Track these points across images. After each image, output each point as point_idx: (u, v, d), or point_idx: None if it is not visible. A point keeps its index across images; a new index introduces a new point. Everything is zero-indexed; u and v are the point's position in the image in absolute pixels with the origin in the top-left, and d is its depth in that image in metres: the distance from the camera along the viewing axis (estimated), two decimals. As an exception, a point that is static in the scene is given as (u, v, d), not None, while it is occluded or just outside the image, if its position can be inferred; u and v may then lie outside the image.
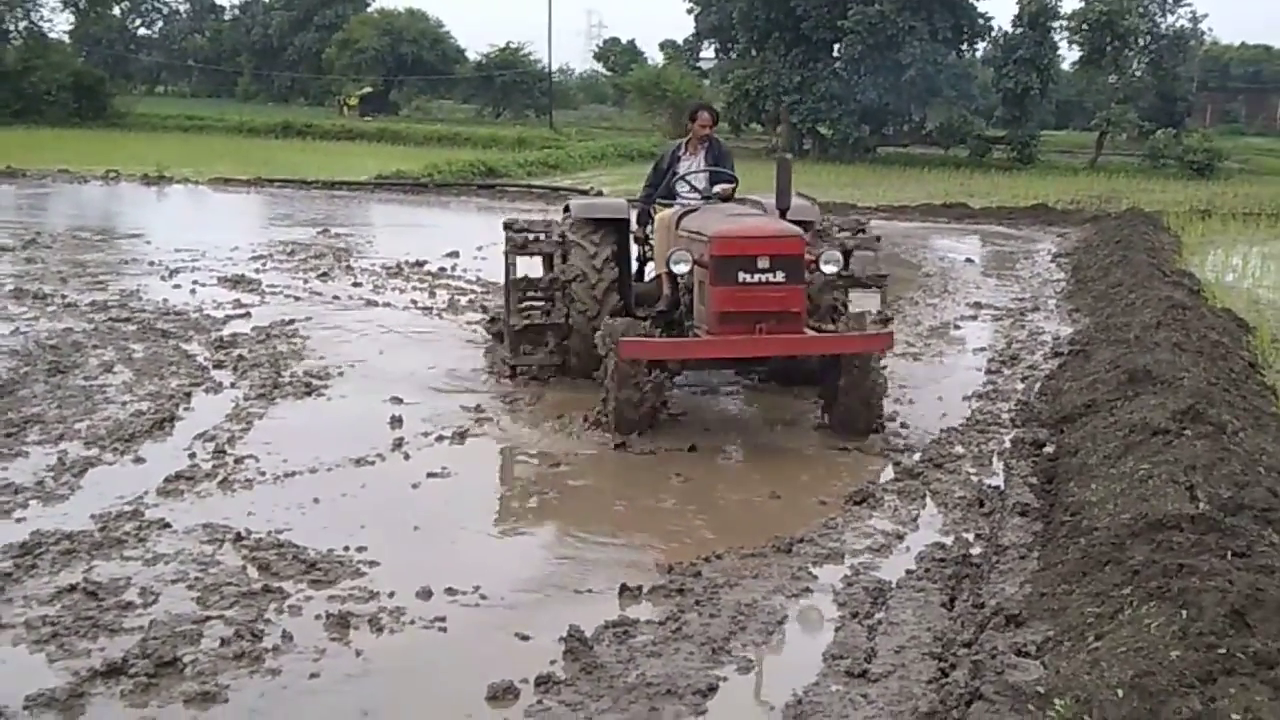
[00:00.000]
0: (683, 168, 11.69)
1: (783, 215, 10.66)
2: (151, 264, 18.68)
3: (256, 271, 18.20)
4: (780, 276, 9.62)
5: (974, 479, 9.14)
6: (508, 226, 12.05)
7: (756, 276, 9.58)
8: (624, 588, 6.91)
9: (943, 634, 6.35)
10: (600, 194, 33.74)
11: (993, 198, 34.93)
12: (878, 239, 12.53)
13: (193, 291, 16.23)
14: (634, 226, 12.08)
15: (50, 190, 32.21)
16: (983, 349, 14.26)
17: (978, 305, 17.44)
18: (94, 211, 28.58)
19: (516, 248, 11.80)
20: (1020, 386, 12.21)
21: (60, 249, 20.29)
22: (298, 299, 16.06)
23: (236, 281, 17.08)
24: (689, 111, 12.21)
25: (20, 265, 18.14)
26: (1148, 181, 44.19)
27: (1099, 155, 56.00)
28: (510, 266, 11.83)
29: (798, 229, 10.05)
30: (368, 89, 79.64)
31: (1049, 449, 9.47)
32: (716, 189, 11.41)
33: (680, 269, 10.16)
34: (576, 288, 11.41)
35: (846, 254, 12.11)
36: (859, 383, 9.91)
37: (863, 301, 12.52)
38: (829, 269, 10.35)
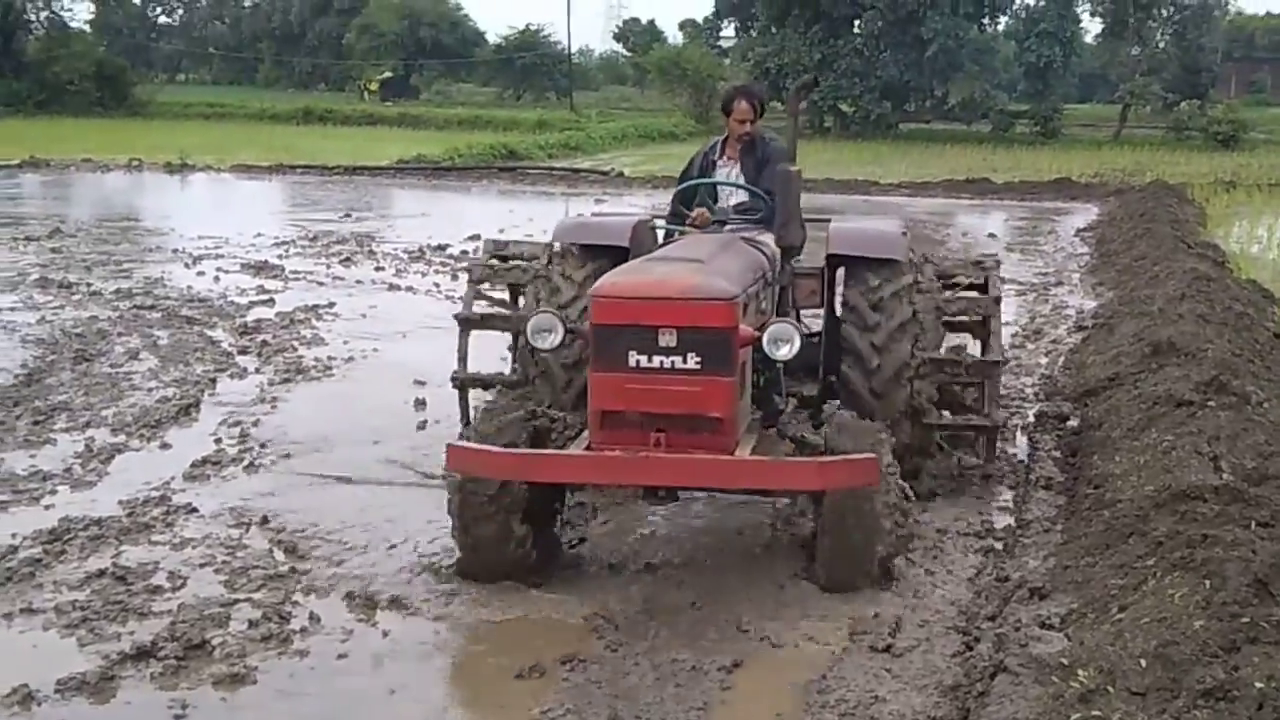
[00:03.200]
0: (720, 174, 8.35)
1: (785, 257, 7.64)
2: (175, 251, 18.75)
3: (279, 257, 18.25)
4: (693, 361, 6.15)
5: (998, 453, 9.13)
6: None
7: (656, 360, 6.17)
8: (648, 565, 6.94)
9: (967, 608, 6.37)
10: (621, 175, 33.68)
11: (1015, 172, 34.79)
12: (998, 300, 8.77)
13: (216, 278, 16.29)
14: None
15: (74, 179, 32.35)
16: (1006, 323, 14.12)
17: (1000, 280, 17.34)
18: (118, 200, 28.69)
19: (476, 281, 9.35)
20: (1044, 360, 12.21)
21: (84, 238, 20.36)
22: (321, 284, 16.10)
23: (260, 268, 17.13)
24: (722, 100, 8.60)
25: (45, 255, 18.23)
26: (1172, 154, 43.90)
27: (1123, 128, 55.68)
28: (466, 304, 9.37)
29: (727, 288, 6.37)
30: (388, 73, 79.62)
31: (1073, 422, 9.45)
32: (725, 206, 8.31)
33: (542, 343, 6.68)
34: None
35: (973, 324, 8.94)
36: (839, 527, 6.41)
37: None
38: (778, 351, 6.41)
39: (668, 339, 6.17)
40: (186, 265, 17.44)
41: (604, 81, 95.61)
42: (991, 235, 23.20)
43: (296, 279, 16.40)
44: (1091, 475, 7.75)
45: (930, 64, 54.15)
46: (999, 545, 7.25)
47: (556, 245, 8.29)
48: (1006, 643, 5.50)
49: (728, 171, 8.34)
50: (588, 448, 6.41)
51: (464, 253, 18.58)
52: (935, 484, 8.19)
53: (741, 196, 8.22)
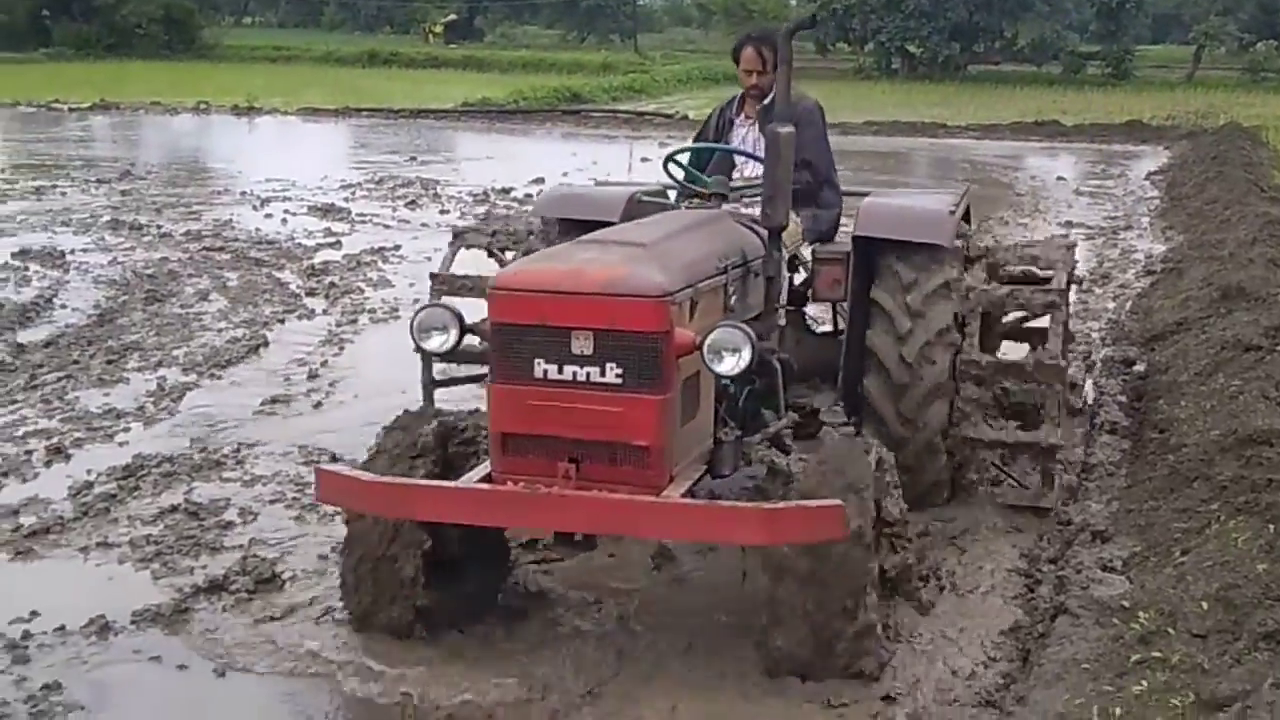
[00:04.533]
0: (735, 140, 7.08)
1: (773, 240, 5.96)
2: (243, 194, 18.95)
3: (346, 200, 18.39)
4: (613, 374, 4.88)
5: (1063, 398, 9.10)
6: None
7: (568, 370, 4.92)
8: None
9: (1029, 550, 6.38)
10: (685, 118, 33.43)
11: (1086, 115, 34.31)
12: (1064, 296, 6.94)
13: (284, 221, 16.45)
14: None
15: (143, 122, 32.67)
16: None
17: (1069, 224, 17.23)
18: (186, 143, 28.97)
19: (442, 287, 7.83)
20: (1111, 305, 12.10)
21: (154, 180, 20.62)
22: (387, 227, 16.22)
23: (326, 210, 17.29)
24: (731, 49, 7.30)
25: (116, 197, 18.47)
26: (1247, 95, 43.12)
27: (1196, 69, 54.69)
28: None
29: (659, 281, 4.94)
30: (452, 16, 79.50)
31: (1139, 367, 9.38)
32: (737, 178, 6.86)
33: (430, 345, 5.40)
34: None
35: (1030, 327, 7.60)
36: (795, 596, 4.98)
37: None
38: (719, 364, 4.98)
39: (582, 345, 4.88)
40: (254, 208, 17.63)
41: (669, 24, 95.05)
42: (1060, 178, 22.95)
43: (363, 222, 16.53)
44: (1157, 420, 7.71)
45: (1000, 4, 53.40)
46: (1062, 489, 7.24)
47: (538, 221, 7.27)
48: (1068, 585, 5.52)
49: (744, 134, 7.05)
50: (486, 477, 5.16)
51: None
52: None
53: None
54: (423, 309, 5.40)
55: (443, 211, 17.55)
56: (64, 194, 18.69)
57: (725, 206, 6.44)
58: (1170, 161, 24.75)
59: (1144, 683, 4.30)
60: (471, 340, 5.68)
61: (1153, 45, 68.63)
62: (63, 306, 11.42)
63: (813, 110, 6.89)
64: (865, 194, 7.26)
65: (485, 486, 5.04)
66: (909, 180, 23.43)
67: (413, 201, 18.44)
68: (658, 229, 5.70)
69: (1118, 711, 4.20)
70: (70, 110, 34.19)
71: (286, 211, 17.19)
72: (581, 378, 4.89)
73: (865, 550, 4.92)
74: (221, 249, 14.29)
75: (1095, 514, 6.45)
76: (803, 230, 6.80)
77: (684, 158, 6.84)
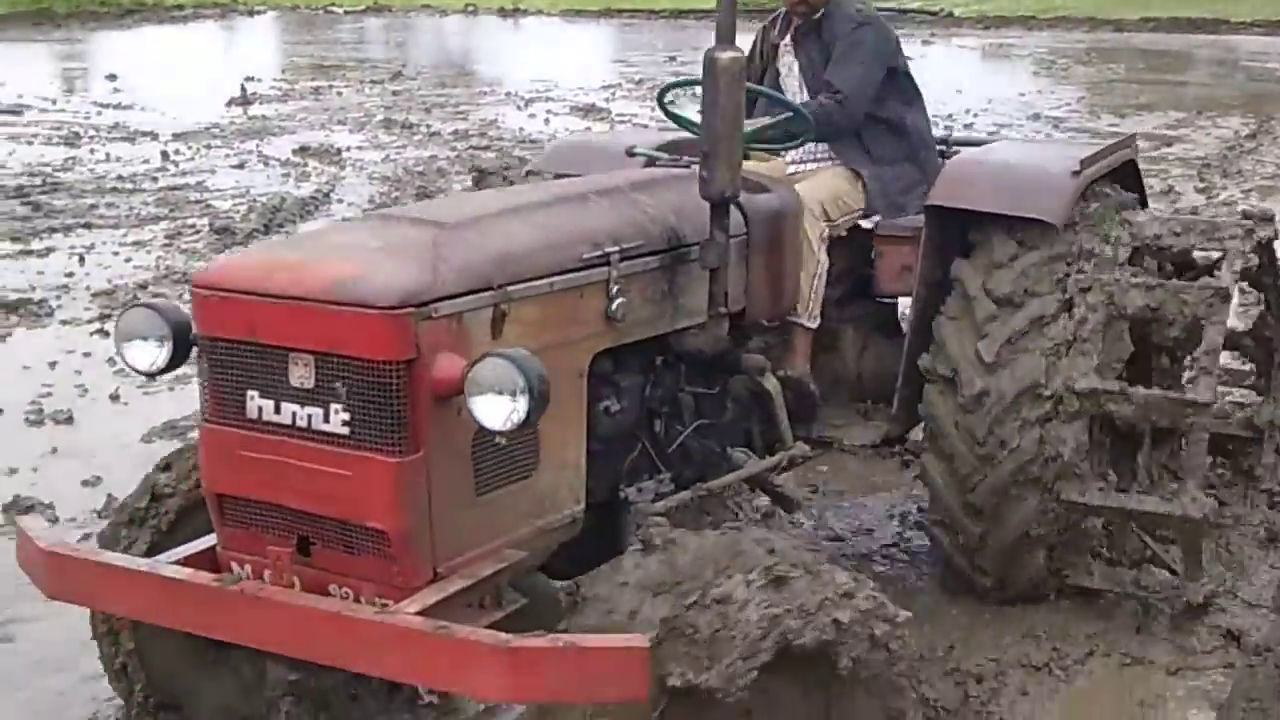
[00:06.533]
0: (782, 68, 5.30)
1: (717, 209, 4.00)
2: (508, 94, 19.40)
3: (606, 101, 18.64)
4: (339, 419, 3.16)
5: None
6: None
7: (287, 410, 3.23)
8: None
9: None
10: (950, 14, 32.27)
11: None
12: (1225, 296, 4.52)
13: (546, 121, 16.79)
14: None
15: (413, 24, 33.54)
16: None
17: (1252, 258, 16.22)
18: (454, 44, 29.68)
19: None
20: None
21: (424, 81, 21.28)
22: (645, 127, 16.34)
23: (587, 110, 17.56)
24: None
25: (388, 97, 19.15)
26: None
27: None
28: None
29: (402, 283, 3.12)
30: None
31: None
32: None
33: (139, 361, 3.50)
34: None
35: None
36: None
37: None
38: (485, 414, 3.04)
39: (302, 374, 3.22)
40: (518, 108, 18.05)
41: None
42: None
43: (622, 121, 16.73)
44: None
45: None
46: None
47: (545, 177, 5.39)
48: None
49: (788, 63, 5.26)
50: (209, 550, 3.51)
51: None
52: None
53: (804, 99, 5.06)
54: (127, 309, 3.58)
55: (700, 111, 17.57)
56: (340, 94, 19.46)
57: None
58: None
59: None
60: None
61: None
62: (339, 201, 11.98)
63: (869, 27, 5.05)
64: (974, 143, 5.86)
65: (174, 572, 3.33)
66: (1186, 79, 22.36)
67: (671, 102, 18.52)
68: (502, 199, 4.04)
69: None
70: (345, 13, 35.33)
71: (549, 112, 17.54)
72: (302, 422, 3.23)
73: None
74: (487, 148, 14.70)
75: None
76: (868, 194, 5.07)
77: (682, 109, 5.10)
